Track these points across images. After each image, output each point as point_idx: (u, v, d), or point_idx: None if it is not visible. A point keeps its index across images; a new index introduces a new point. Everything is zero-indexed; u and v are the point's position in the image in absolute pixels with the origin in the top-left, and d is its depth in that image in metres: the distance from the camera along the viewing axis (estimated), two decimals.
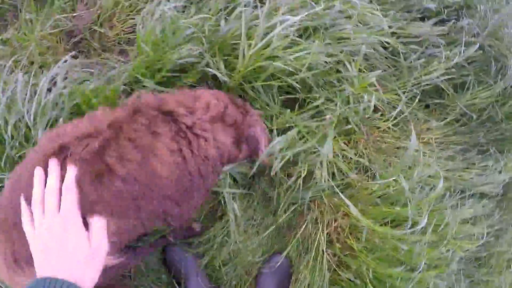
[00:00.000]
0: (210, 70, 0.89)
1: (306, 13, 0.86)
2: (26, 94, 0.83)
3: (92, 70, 0.94)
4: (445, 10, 1.28)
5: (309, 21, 0.95)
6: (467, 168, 1.14)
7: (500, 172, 1.13)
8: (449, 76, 1.16)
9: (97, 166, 0.56)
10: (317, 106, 0.96)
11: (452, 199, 1.08)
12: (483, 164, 1.20)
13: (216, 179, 0.77)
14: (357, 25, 0.99)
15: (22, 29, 0.98)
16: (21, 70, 0.92)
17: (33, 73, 0.89)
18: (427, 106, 1.19)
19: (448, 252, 0.97)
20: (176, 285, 0.90)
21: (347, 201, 0.83)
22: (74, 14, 0.98)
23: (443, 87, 1.15)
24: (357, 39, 0.97)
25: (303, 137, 0.92)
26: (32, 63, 0.95)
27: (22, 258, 0.54)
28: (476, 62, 1.29)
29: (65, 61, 0.87)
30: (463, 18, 1.32)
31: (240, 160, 0.80)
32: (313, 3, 0.91)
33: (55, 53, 0.99)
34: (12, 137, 0.82)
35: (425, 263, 0.88)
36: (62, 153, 0.55)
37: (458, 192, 1.12)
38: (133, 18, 1.04)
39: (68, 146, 0.56)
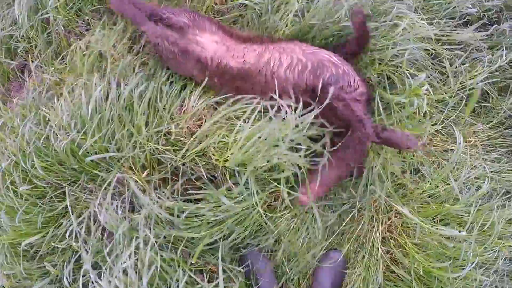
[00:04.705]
0: None
1: None
2: None
3: None
4: (486, 14, 1.32)
5: None
6: None
7: None
8: (493, 80, 1.19)
9: None
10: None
11: (497, 199, 1.12)
12: None
13: None
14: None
15: None
16: None
17: None
18: (473, 110, 1.23)
19: (493, 250, 1.01)
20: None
21: (401, 208, 0.89)
22: None
23: (487, 90, 1.18)
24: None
25: None
26: None
27: None
28: None
29: None
30: (503, 22, 1.34)
31: None
32: None
33: None
34: None
35: (472, 262, 0.92)
36: None
37: (503, 193, 1.15)
38: None
39: None
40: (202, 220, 0.87)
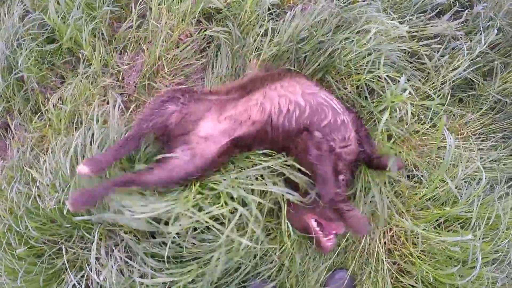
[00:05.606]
0: None
1: None
2: None
3: None
4: (458, 1, 1.29)
5: None
6: (511, 155, 1.13)
7: None
8: (476, 66, 1.16)
9: None
10: None
11: (500, 189, 1.07)
12: None
13: None
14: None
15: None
16: None
17: None
18: (460, 100, 1.19)
19: (503, 243, 0.97)
20: None
21: (401, 219, 0.86)
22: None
23: (471, 78, 1.15)
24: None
25: None
26: None
27: None
28: (499, 45, 1.28)
29: None
30: (476, 4, 1.31)
31: None
32: None
33: None
34: None
35: (482, 259, 0.87)
36: None
37: (505, 181, 1.11)
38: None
39: None
40: (198, 262, 0.85)
